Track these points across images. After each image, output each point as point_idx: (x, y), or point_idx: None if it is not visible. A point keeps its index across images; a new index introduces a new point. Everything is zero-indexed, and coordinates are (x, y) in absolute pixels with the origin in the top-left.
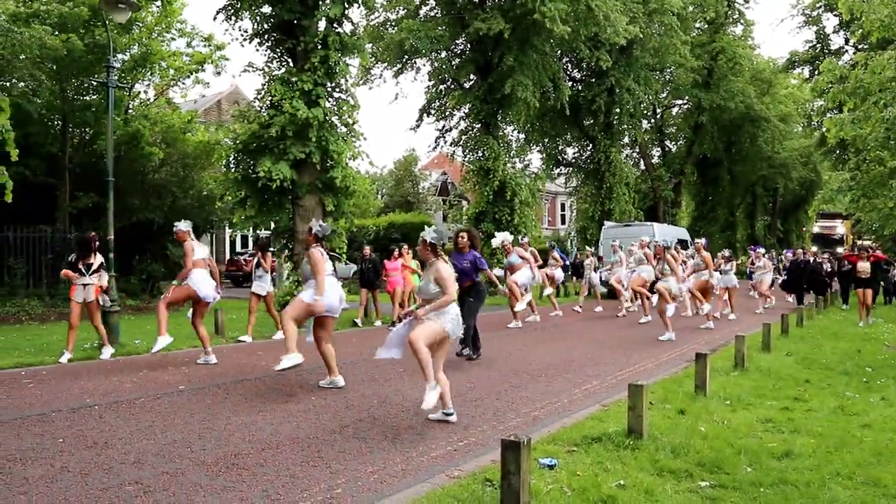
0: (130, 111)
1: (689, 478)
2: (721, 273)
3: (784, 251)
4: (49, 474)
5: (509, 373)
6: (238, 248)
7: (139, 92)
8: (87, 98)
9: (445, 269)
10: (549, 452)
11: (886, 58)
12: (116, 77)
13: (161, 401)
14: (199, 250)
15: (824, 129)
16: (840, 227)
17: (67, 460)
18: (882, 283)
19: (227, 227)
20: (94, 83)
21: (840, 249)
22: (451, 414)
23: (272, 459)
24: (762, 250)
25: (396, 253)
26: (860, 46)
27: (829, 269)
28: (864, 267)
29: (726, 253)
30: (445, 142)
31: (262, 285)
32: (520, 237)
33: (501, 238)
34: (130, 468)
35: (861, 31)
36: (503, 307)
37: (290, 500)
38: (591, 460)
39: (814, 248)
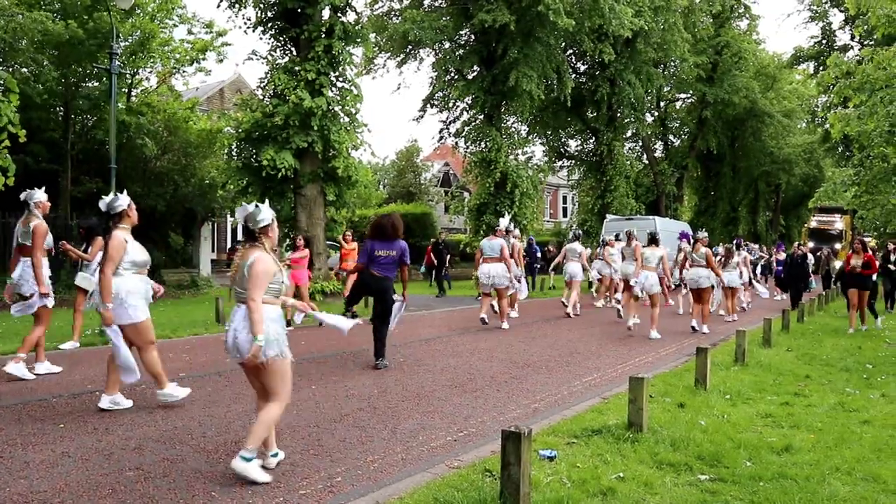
0: (133, 98)
1: (688, 471)
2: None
3: (775, 246)
4: (50, 459)
5: (510, 364)
6: (240, 237)
7: (141, 79)
8: (90, 84)
9: (258, 264)
10: (549, 444)
11: (893, 52)
12: (118, 63)
13: None
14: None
15: (828, 125)
16: (839, 222)
17: (68, 446)
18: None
19: (228, 216)
20: (97, 69)
21: (838, 245)
22: (275, 454)
23: None
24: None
25: (300, 241)
26: (865, 42)
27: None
28: (857, 263)
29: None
30: (449, 133)
31: (91, 278)
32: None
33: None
34: (131, 454)
35: (866, 26)
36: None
37: (291, 488)
38: (590, 452)
39: (810, 244)
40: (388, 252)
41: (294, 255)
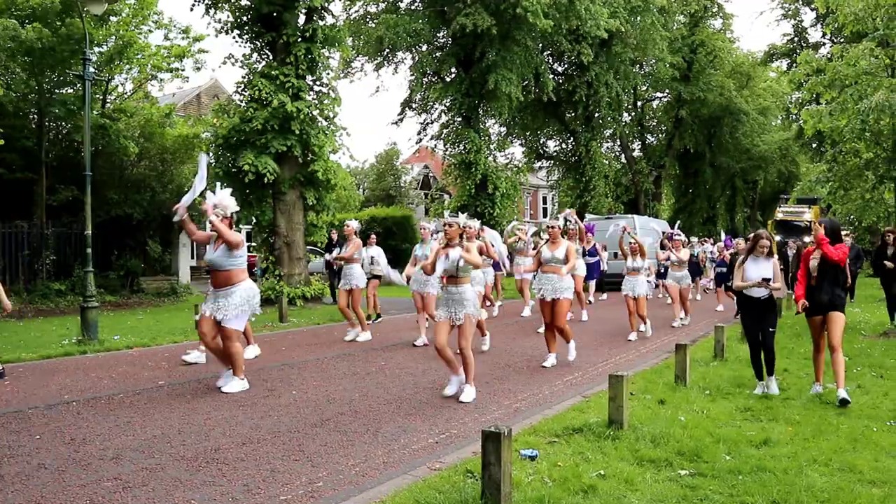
0: (108, 105)
1: (668, 467)
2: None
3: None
4: (26, 471)
5: (491, 365)
6: None
7: (116, 86)
8: (64, 91)
9: None
10: (530, 443)
11: (861, 49)
12: (93, 70)
13: (140, 396)
14: None
15: (801, 122)
16: (807, 213)
17: (44, 457)
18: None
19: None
20: (71, 76)
21: (807, 238)
22: None
23: (253, 454)
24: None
25: None
26: (836, 39)
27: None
28: (815, 266)
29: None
30: (427, 135)
31: None
32: None
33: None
34: (109, 464)
35: (836, 24)
36: None
37: (271, 494)
38: (571, 451)
39: (777, 238)
40: None
41: None
